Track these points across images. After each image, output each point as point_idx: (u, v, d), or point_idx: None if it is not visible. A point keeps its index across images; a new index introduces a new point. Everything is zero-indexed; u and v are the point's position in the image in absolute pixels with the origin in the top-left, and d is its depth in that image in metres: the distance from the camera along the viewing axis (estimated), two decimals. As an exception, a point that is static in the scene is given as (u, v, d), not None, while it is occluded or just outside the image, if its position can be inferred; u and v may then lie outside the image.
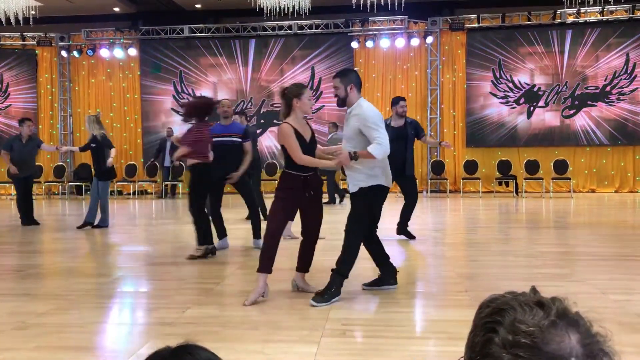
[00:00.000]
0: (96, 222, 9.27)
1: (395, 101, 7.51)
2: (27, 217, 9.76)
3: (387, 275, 4.84)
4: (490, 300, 0.92)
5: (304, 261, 4.78)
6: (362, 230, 4.61)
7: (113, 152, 9.27)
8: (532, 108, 15.31)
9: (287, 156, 4.60)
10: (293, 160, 4.54)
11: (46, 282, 5.50)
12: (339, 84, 4.56)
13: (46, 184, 16.63)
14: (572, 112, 15.12)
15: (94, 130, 9.09)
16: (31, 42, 17.11)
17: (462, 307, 4.26)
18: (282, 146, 4.61)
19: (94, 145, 9.12)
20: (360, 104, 4.53)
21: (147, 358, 1.01)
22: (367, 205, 4.58)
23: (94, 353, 3.51)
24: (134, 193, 16.32)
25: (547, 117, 15.27)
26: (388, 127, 7.82)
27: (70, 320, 4.09)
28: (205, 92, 16.19)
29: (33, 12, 13.40)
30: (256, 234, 6.99)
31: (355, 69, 15.34)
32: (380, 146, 4.37)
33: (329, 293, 4.36)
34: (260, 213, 7.78)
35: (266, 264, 4.48)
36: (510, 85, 15.40)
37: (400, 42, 15.51)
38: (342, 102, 4.60)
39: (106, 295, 4.97)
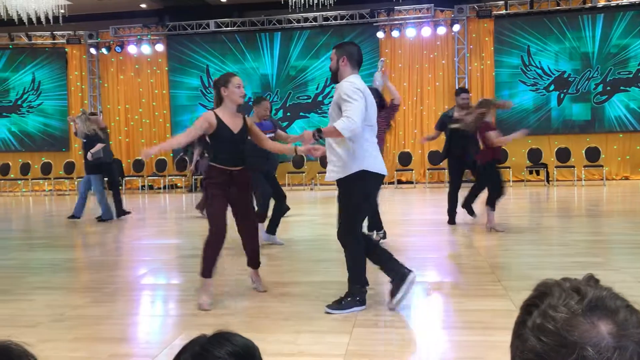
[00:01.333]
0: (99, 215, 9.62)
1: (457, 92, 7.57)
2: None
3: (399, 280, 4.02)
4: (540, 284, 0.91)
5: (249, 257, 4.55)
6: (357, 230, 4.01)
7: (98, 146, 9.43)
8: (562, 95, 15.02)
9: (213, 149, 4.36)
10: (217, 153, 4.29)
11: (81, 275, 5.62)
12: (333, 56, 4.06)
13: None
14: (603, 98, 14.79)
15: (85, 127, 9.43)
16: (61, 41, 17.39)
17: (495, 297, 4.22)
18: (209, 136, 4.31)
19: (84, 140, 9.52)
20: (347, 79, 3.94)
21: (185, 345, 1.03)
22: (351, 199, 3.94)
23: (130, 344, 3.57)
24: (164, 187, 16.53)
25: (578, 103, 14.97)
26: (450, 117, 7.78)
27: (106, 312, 4.17)
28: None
29: (62, 11, 13.63)
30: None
31: (382, 59, 15.25)
32: (348, 120, 3.68)
33: (346, 302, 3.94)
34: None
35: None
36: (540, 72, 15.13)
37: (427, 31, 15.35)
38: (334, 77, 4.05)
39: (139, 288, 5.05)
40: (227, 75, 4.34)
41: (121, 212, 9.80)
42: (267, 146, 4.64)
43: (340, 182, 3.95)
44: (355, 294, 3.95)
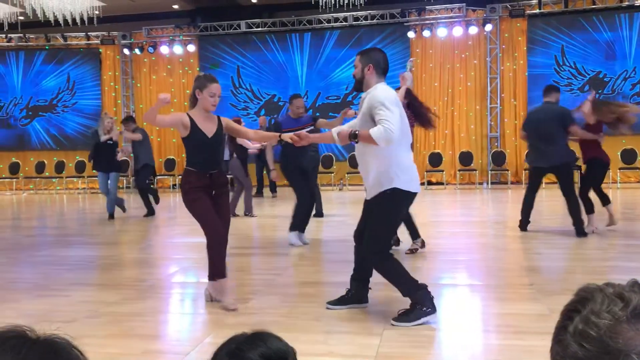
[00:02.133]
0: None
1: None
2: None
3: (358, 293, 4.05)
4: (581, 289, 0.90)
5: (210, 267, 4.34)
6: (385, 250, 3.80)
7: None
8: (597, 95, 14.71)
9: (187, 152, 4.26)
10: (192, 157, 4.21)
11: (115, 272, 5.71)
12: (357, 63, 3.82)
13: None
14: (640, 99, 14.47)
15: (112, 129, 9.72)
16: (95, 41, 17.72)
17: (527, 300, 4.16)
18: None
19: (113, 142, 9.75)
20: (376, 87, 3.73)
21: (225, 342, 1.05)
22: (381, 219, 3.75)
23: (162, 341, 3.62)
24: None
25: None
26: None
27: (138, 309, 4.23)
28: (262, 87, 16.37)
29: (97, 12, 13.89)
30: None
31: (412, 59, 15.16)
32: (385, 129, 3.45)
33: (414, 313, 3.65)
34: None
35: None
36: (574, 72, 14.86)
37: (458, 31, 15.20)
38: (359, 86, 3.83)
39: (171, 286, 5.12)
40: (206, 79, 4.18)
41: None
42: (252, 137, 4.86)
43: (372, 199, 3.78)
44: (419, 303, 3.65)
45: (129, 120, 10.29)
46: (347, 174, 15.09)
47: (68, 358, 0.89)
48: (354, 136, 3.67)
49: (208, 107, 4.17)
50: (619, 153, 13.95)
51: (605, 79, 14.67)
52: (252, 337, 1.05)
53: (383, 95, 3.60)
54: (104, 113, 10.61)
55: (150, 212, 9.92)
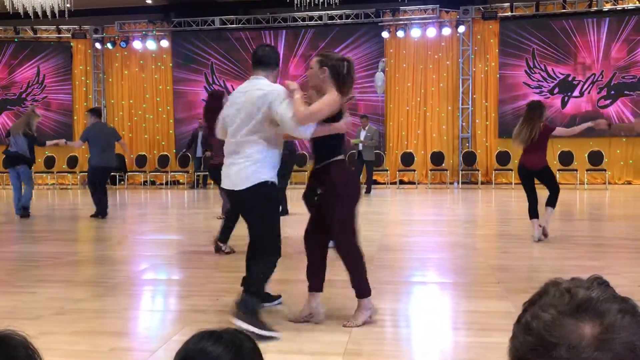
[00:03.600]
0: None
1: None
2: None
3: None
4: (546, 283, 0.92)
5: None
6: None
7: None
8: (566, 98, 15.01)
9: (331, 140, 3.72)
10: (339, 144, 3.73)
11: (83, 269, 5.64)
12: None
13: (81, 173, 16.98)
14: (607, 102, 14.78)
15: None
16: (66, 35, 17.42)
17: (494, 298, 4.23)
18: None
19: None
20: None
21: (187, 340, 1.05)
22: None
23: (130, 338, 3.59)
24: (166, 183, 16.56)
25: (581, 107, 14.95)
26: None
27: (107, 306, 4.19)
28: (235, 84, 16.30)
29: (68, 5, 13.64)
30: None
31: (385, 59, 15.26)
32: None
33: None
34: None
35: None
36: (544, 74, 15.12)
37: (432, 32, 15.34)
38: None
39: (140, 283, 5.07)
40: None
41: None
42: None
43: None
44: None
45: (90, 112, 9.99)
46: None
47: (20, 355, 0.89)
48: None
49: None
50: (586, 155, 14.24)
51: (574, 82, 14.96)
52: (214, 333, 1.05)
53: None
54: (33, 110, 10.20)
55: (99, 213, 9.40)
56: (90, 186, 9.48)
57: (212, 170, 6.36)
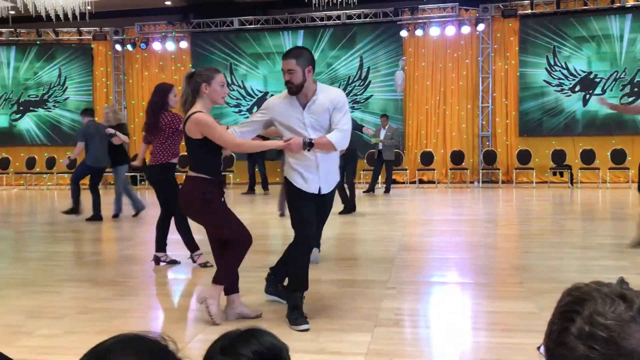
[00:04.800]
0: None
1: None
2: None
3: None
4: (572, 289, 0.89)
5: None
6: None
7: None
8: (588, 96, 14.82)
9: (197, 156, 3.78)
10: (203, 162, 3.76)
11: (106, 268, 5.70)
12: (294, 67, 3.57)
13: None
14: (631, 99, 14.55)
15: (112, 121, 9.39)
16: (87, 37, 17.62)
17: (517, 298, 4.20)
18: (192, 141, 3.73)
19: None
20: (326, 88, 3.75)
21: (217, 339, 1.06)
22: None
23: (153, 338, 3.62)
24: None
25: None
26: None
27: (130, 306, 4.24)
28: (254, 84, 16.37)
29: (89, 7, 13.80)
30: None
31: (404, 58, 15.21)
32: (343, 133, 3.61)
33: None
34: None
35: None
36: (566, 72, 14.94)
37: (451, 30, 15.25)
38: (298, 89, 3.61)
39: (163, 282, 5.12)
40: (210, 71, 3.83)
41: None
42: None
43: (332, 191, 3.98)
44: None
45: (84, 112, 9.96)
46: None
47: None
48: (309, 144, 3.57)
49: (219, 100, 3.80)
50: (608, 153, 14.05)
51: (596, 80, 14.77)
52: (245, 334, 1.06)
53: (343, 97, 3.73)
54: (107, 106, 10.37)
55: (74, 210, 9.45)
56: (73, 184, 9.63)
57: (147, 171, 6.18)
